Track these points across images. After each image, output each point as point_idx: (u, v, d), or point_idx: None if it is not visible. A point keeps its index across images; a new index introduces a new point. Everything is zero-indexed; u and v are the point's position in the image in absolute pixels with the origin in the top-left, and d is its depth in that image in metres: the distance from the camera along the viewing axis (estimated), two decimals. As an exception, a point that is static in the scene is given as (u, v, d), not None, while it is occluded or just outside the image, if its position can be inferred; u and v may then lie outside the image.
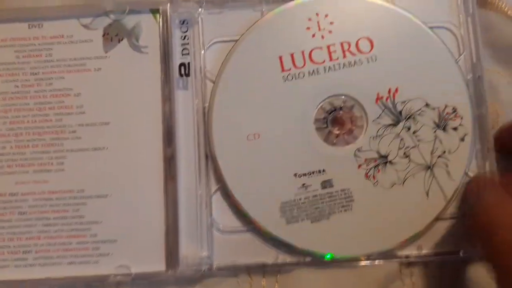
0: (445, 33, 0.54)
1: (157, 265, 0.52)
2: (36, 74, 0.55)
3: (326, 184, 0.52)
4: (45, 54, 0.55)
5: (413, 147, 0.52)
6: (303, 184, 0.52)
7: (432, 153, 0.52)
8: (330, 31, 0.53)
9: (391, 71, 0.53)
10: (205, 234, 0.52)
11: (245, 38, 0.54)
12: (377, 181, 0.52)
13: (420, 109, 0.52)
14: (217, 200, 0.53)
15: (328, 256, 0.51)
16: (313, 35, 0.53)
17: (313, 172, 0.52)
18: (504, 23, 0.55)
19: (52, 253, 0.53)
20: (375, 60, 0.53)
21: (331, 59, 0.53)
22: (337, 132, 0.53)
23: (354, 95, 0.53)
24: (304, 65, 0.53)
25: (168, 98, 0.54)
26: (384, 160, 0.52)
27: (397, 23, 0.53)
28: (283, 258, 0.52)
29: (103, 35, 0.55)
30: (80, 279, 0.52)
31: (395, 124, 0.52)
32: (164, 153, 0.53)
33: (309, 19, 0.53)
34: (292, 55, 0.53)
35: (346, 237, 0.52)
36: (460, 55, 0.54)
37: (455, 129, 0.52)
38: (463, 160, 0.52)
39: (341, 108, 0.53)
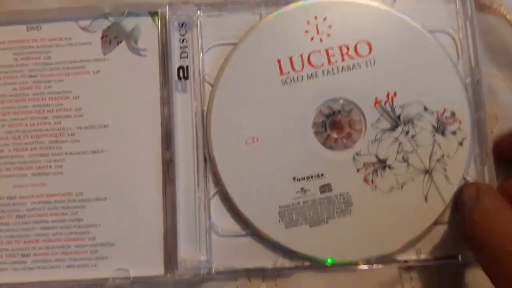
0: (444, 37, 0.54)
1: (156, 268, 0.52)
2: (34, 76, 0.55)
3: (325, 188, 0.52)
4: (44, 57, 0.55)
5: (411, 152, 0.52)
6: (302, 188, 0.52)
7: (430, 157, 0.52)
8: (328, 35, 0.53)
9: (390, 75, 0.53)
10: (204, 238, 0.52)
11: (244, 41, 0.54)
12: (375, 185, 0.52)
13: (418, 113, 0.52)
14: (216, 204, 0.53)
15: (329, 261, 0.51)
16: (312, 39, 0.53)
17: (311, 176, 0.52)
18: (503, 27, 0.55)
19: (50, 256, 0.53)
20: (374, 63, 0.53)
21: (329, 62, 0.53)
22: (336, 136, 0.53)
23: (352, 98, 0.53)
24: (303, 68, 0.53)
25: (166, 101, 0.54)
26: (382, 164, 0.52)
27: (396, 27, 0.53)
28: (282, 262, 0.52)
29: (102, 38, 0.55)
30: (79, 283, 0.52)
31: (394, 128, 0.52)
32: (163, 156, 0.53)
33: (308, 23, 0.53)
34: (290, 59, 0.53)
35: (344, 241, 0.52)
36: (458, 59, 0.54)
37: (453, 133, 0.52)
38: (462, 164, 0.52)
39: (339, 112, 0.53)
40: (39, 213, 0.53)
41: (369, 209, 0.52)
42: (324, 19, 0.53)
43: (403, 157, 0.52)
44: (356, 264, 0.52)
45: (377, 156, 0.52)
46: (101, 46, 0.55)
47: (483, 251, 0.46)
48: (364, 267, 0.52)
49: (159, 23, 0.55)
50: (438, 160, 0.52)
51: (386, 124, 0.52)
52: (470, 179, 0.52)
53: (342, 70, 0.53)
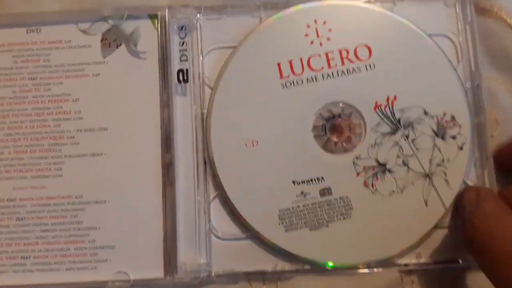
0: (444, 41, 0.54)
1: (156, 271, 0.52)
2: (34, 79, 0.55)
3: (325, 191, 0.52)
4: (43, 59, 0.55)
5: (411, 156, 0.52)
6: (302, 192, 0.52)
7: (430, 161, 0.52)
8: (328, 38, 0.53)
9: (390, 79, 0.53)
10: (204, 241, 0.52)
11: (244, 45, 0.54)
12: (376, 189, 0.52)
13: (418, 117, 0.52)
14: (216, 207, 0.53)
15: (330, 265, 0.51)
16: (312, 42, 0.53)
17: (311, 180, 0.52)
18: (503, 31, 0.55)
19: (50, 259, 0.53)
20: (374, 67, 0.53)
21: (329, 66, 0.53)
22: (336, 139, 0.53)
23: (352, 102, 0.53)
24: (303, 72, 0.53)
25: (166, 104, 0.53)
26: (382, 168, 0.52)
27: (396, 31, 0.53)
28: (282, 265, 0.52)
29: (102, 41, 0.55)
30: (78, 285, 0.52)
31: (394, 132, 0.52)
32: (163, 159, 0.53)
33: (308, 26, 0.53)
34: (290, 62, 0.53)
35: (345, 245, 0.52)
36: (458, 63, 0.54)
37: (453, 137, 0.52)
38: (462, 168, 0.52)
39: (339, 116, 0.53)
40: (39, 215, 0.53)
41: (369, 213, 0.52)
42: (324, 22, 0.53)
43: (403, 161, 0.52)
44: (356, 267, 0.52)
45: (377, 160, 0.52)
46: (101, 49, 0.55)
47: (483, 255, 0.46)
48: (364, 270, 0.52)
49: (159, 26, 0.55)
50: (438, 164, 0.52)
51: (386, 128, 0.52)
52: (470, 183, 0.52)
53: (342, 73, 0.53)
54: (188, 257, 0.52)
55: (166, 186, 0.53)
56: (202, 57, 0.54)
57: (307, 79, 0.53)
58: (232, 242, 0.53)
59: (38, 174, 0.54)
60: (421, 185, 0.52)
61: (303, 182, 0.52)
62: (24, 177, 0.54)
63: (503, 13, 0.55)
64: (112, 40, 0.55)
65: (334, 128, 0.53)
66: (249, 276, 0.53)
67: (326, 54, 0.53)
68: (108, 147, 0.54)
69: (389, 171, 0.52)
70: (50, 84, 0.54)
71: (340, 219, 0.52)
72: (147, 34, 0.55)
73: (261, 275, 0.53)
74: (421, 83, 0.52)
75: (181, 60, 0.54)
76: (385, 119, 0.52)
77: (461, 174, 0.52)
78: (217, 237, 0.53)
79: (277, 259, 0.52)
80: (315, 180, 0.52)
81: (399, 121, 0.52)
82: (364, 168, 0.52)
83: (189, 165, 0.53)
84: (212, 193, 0.53)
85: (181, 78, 0.54)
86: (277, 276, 0.53)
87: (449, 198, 0.52)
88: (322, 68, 0.53)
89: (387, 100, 0.52)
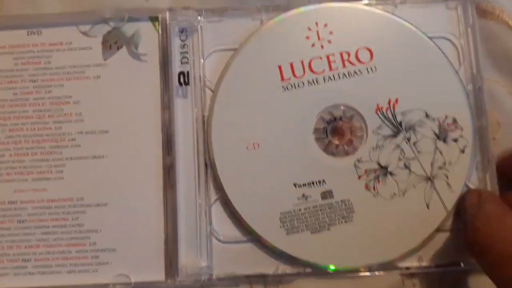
0: (445, 43, 0.54)
1: (157, 274, 0.52)
2: (35, 81, 0.55)
3: (326, 194, 0.52)
4: (44, 61, 0.55)
5: (413, 158, 0.52)
6: (303, 195, 0.52)
7: (432, 164, 0.52)
8: (329, 41, 0.53)
9: (391, 82, 0.53)
10: (205, 244, 0.52)
11: (245, 47, 0.54)
12: (377, 192, 0.52)
13: (420, 120, 0.52)
14: (217, 210, 0.53)
15: (331, 268, 0.51)
16: (313, 45, 0.53)
17: (313, 183, 0.52)
18: (505, 33, 0.55)
19: (51, 261, 0.53)
20: (375, 70, 0.53)
21: (330, 69, 0.53)
22: (337, 142, 0.53)
23: (353, 105, 0.53)
24: (304, 74, 0.53)
25: (167, 107, 0.53)
26: (384, 171, 0.52)
27: (397, 33, 0.53)
28: (284, 268, 0.52)
29: (102, 43, 0.55)
30: (80, 288, 0.53)
31: (395, 135, 0.52)
32: (164, 162, 0.53)
33: (309, 29, 0.53)
34: (291, 65, 0.53)
35: (346, 248, 0.51)
36: (460, 65, 0.53)
37: (455, 140, 0.52)
38: (464, 171, 0.52)
39: (340, 118, 0.53)
40: (40, 218, 0.53)
41: (370, 216, 0.52)
42: (325, 25, 0.53)
43: (404, 164, 0.52)
44: (357, 271, 0.52)
45: (378, 163, 0.52)
46: (102, 51, 0.55)
47: (485, 257, 0.46)
48: (365, 274, 0.52)
49: (160, 28, 0.55)
50: (439, 167, 0.52)
51: (387, 130, 0.52)
52: (472, 186, 0.52)
53: (343, 76, 0.53)
54: (189, 260, 0.52)
55: (167, 188, 0.53)
56: (203, 59, 0.54)
57: (308, 81, 0.53)
58: (233, 245, 0.53)
59: (39, 176, 0.54)
60: (423, 188, 0.52)
61: (304, 185, 0.52)
62: (25, 179, 0.54)
63: (505, 15, 0.55)
64: (113, 42, 0.55)
65: (336, 131, 0.53)
66: (250, 279, 0.53)
67: (327, 57, 0.53)
68: (109, 150, 0.54)
69: (391, 174, 0.52)
70: (51, 86, 0.54)
71: (341, 222, 0.51)
72: (148, 37, 0.55)
73: (262, 278, 0.52)
74: (423, 86, 0.52)
75: (182, 63, 0.54)
76: (386, 121, 0.52)
77: (462, 177, 0.52)
78: (218, 240, 0.52)
79: (278, 262, 0.52)
80: (316, 183, 0.52)
81: (400, 123, 0.52)
82: (365, 171, 0.52)
83: (190, 167, 0.53)
84: (213, 195, 0.53)
85: (182, 80, 0.54)
86: (278, 279, 0.52)
87: (450, 201, 0.52)
88: (323, 70, 0.53)
89: (389, 102, 0.52)
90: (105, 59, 0.55)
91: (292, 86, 0.53)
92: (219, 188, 0.53)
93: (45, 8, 0.57)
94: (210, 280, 0.52)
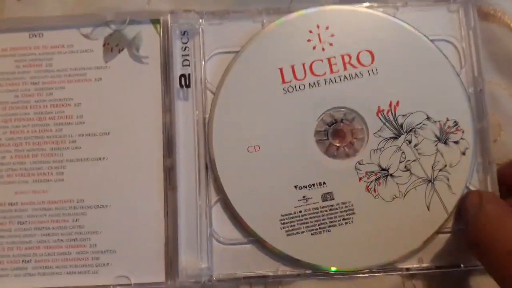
0: (447, 46, 0.54)
1: (157, 276, 0.52)
2: (36, 83, 0.55)
3: (327, 196, 0.52)
4: (46, 64, 0.55)
5: (414, 161, 0.52)
6: (304, 197, 0.52)
7: (433, 166, 0.52)
8: (331, 44, 0.53)
9: (392, 84, 0.53)
10: (205, 245, 0.52)
11: (246, 50, 0.54)
12: (378, 194, 0.52)
13: (421, 123, 0.52)
14: (217, 211, 0.53)
15: (332, 269, 0.51)
16: (314, 47, 0.53)
17: (313, 185, 0.52)
18: (507, 36, 0.55)
19: (51, 262, 0.53)
20: (376, 73, 0.53)
21: (332, 71, 0.53)
22: (338, 144, 0.53)
23: (354, 107, 0.53)
24: (305, 77, 0.53)
25: (168, 109, 0.54)
26: (385, 173, 0.52)
27: (398, 36, 0.53)
28: (284, 270, 0.52)
29: (104, 45, 0.55)
30: (80, 290, 0.53)
31: (396, 137, 0.52)
32: (164, 164, 0.53)
33: (310, 31, 0.53)
34: (292, 67, 0.53)
35: (347, 249, 0.51)
36: (461, 68, 0.54)
37: (456, 142, 0.52)
38: (464, 173, 0.52)
39: (341, 121, 0.53)
40: (40, 219, 0.53)
41: (371, 217, 0.52)
42: (327, 28, 0.53)
43: (405, 166, 0.52)
44: (358, 272, 0.52)
45: (379, 165, 0.52)
46: (103, 53, 0.55)
47: (488, 256, 0.46)
48: (366, 275, 0.52)
49: (161, 31, 0.55)
50: (440, 170, 0.52)
51: (388, 133, 0.52)
52: (472, 188, 0.52)
53: (344, 79, 0.53)
54: (190, 261, 0.52)
55: (167, 190, 0.53)
56: (204, 62, 0.54)
57: (310, 84, 0.53)
58: (234, 246, 0.53)
59: (39, 178, 0.54)
60: (424, 190, 0.52)
61: (305, 187, 0.52)
62: (25, 181, 0.54)
63: (507, 18, 0.55)
64: (114, 45, 0.55)
65: (337, 133, 0.53)
66: (251, 281, 0.53)
67: (329, 59, 0.53)
68: (109, 152, 0.54)
69: (392, 176, 0.52)
70: (52, 89, 0.55)
71: (342, 224, 0.51)
72: (149, 39, 0.55)
73: (262, 280, 0.52)
74: (424, 88, 0.53)
75: (183, 65, 0.54)
76: (387, 124, 0.52)
77: (463, 179, 0.52)
78: (219, 241, 0.52)
79: (279, 263, 0.52)
80: (317, 185, 0.52)
81: (401, 126, 0.52)
82: (366, 173, 0.52)
83: (191, 169, 0.53)
84: (214, 197, 0.53)
85: (183, 83, 0.54)
86: (279, 280, 0.52)
87: (451, 203, 0.52)
88: (325, 73, 0.53)
89: (390, 105, 0.52)
90: (106, 62, 0.55)
91: (293, 88, 0.53)
92: (219, 189, 0.53)
93: (46, 11, 0.57)
94: (210, 281, 0.52)
